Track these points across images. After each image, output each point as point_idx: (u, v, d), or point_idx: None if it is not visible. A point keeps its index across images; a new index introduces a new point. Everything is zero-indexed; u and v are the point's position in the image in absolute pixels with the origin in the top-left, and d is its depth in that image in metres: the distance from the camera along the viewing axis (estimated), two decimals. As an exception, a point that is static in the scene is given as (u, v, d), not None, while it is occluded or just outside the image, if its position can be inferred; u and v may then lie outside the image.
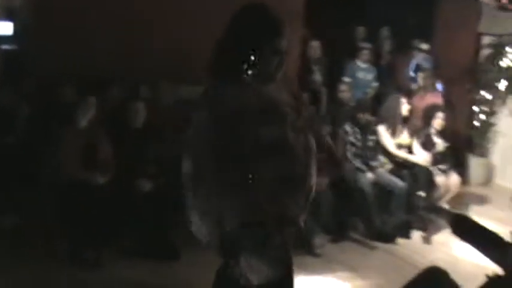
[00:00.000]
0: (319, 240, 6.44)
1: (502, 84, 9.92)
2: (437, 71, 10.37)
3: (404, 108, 7.59)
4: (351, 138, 7.31)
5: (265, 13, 3.09)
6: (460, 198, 8.33)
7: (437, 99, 9.31)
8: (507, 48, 9.82)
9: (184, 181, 3.04)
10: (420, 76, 9.62)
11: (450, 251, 6.95)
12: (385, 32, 10.81)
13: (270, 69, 3.07)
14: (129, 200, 5.68)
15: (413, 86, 9.67)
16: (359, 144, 7.36)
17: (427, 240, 7.26)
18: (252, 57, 3.00)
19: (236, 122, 2.92)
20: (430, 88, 9.49)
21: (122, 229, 5.77)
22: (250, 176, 2.94)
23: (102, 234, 5.58)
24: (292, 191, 3.07)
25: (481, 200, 9.25)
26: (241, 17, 3.09)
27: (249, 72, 3.01)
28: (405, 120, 7.67)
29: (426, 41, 10.80)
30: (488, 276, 3.41)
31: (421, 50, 10.45)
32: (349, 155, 7.26)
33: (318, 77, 9.28)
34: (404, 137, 7.65)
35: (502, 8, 9.23)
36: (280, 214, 3.04)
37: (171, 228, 5.90)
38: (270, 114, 2.99)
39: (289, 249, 3.18)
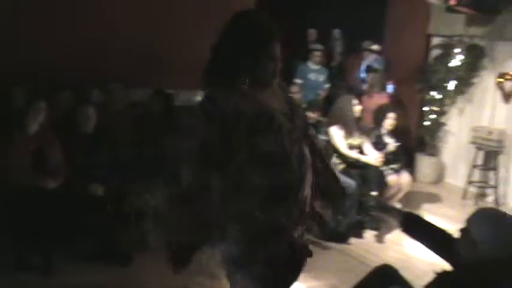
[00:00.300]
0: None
1: (451, 85, 10.03)
2: (388, 72, 10.52)
3: (356, 109, 7.58)
4: None
5: (260, 19, 3.11)
6: (412, 197, 8.43)
7: (385, 99, 9.47)
8: (455, 49, 9.92)
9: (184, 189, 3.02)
10: (369, 76, 9.76)
11: (402, 249, 7.03)
12: (336, 33, 10.88)
13: (266, 75, 3.08)
14: (80, 205, 5.63)
15: (364, 87, 9.76)
16: None
17: (379, 239, 7.31)
18: (248, 64, 3.01)
19: (233, 129, 2.92)
20: (379, 88, 9.63)
21: (73, 234, 5.71)
22: (244, 185, 2.94)
23: (53, 239, 5.52)
24: (285, 202, 3.04)
25: (432, 198, 9.40)
26: (235, 23, 3.10)
27: (245, 79, 3.02)
28: (357, 121, 7.66)
29: (377, 42, 10.93)
30: (436, 273, 3.45)
31: (372, 51, 10.56)
32: None
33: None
34: (355, 138, 7.65)
35: (450, 9, 9.30)
36: (271, 225, 3.02)
37: (123, 232, 5.86)
38: (266, 122, 2.98)
39: (280, 264, 3.13)
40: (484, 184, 9.46)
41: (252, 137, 2.93)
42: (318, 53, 9.85)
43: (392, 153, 8.08)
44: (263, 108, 3.01)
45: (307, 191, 3.17)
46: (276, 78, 3.13)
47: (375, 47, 10.54)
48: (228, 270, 3.16)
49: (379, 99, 9.23)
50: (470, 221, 3.36)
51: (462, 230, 3.39)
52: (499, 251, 3.24)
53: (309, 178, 3.17)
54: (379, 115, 8.29)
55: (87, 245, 5.82)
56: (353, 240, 7.19)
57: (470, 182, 9.53)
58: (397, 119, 8.20)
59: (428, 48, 10.68)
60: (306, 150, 3.19)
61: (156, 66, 7.69)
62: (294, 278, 3.27)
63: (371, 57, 10.72)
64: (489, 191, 9.59)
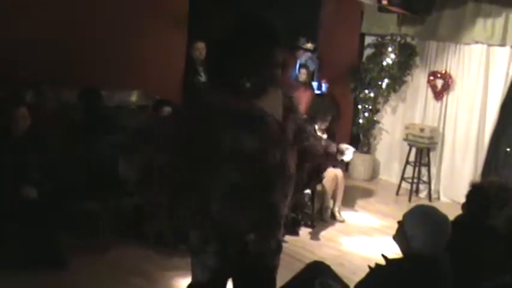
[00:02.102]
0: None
1: (384, 83, 10.20)
2: (320, 71, 10.65)
3: None
4: None
5: (262, 27, 3.13)
6: (347, 194, 8.48)
7: (308, 96, 9.75)
8: (388, 48, 10.08)
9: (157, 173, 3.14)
10: (301, 73, 9.92)
11: (338, 246, 7.15)
12: None
13: (265, 81, 3.10)
14: (13, 208, 5.55)
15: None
16: None
17: (314, 236, 7.38)
18: (249, 70, 3.04)
19: (216, 124, 2.99)
20: (306, 86, 9.85)
21: (5, 238, 5.62)
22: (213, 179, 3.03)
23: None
24: (248, 202, 3.10)
25: (367, 195, 9.58)
26: (239, 31, 3.13)
27: (246, 84, 3.05)
28: None
29: (312, 41, 11.01)
30: (370, 267, 3.54)
31: (305, 50, 10.62)
32: None
33: (203, 78, 9.26)
34: None
35: (383, 9, 9.41)
36: (226, 226, 3.12)
37: (57, 236, 5.81)
38: (254, 124, 3.04)
39: (231, 260, 3.25)
40: (416, 180, 9.63)
41: (230, 133, 3.00)
42: None
43: None
44: (255, 111, 3.07)
45: (279, 197, 3.21)
46: (274, 84, 3.17)
47: (308, 45, 10.61)
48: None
49: (304, 96, 9.46)
50: (405, 216, 3.51)
51: (398, 226, 3.53)
52: (428, 244, 3.38)
53: (284, 184, 3.22)
54: (313, 112, 8.40)
55: (20, 250, 5.73)
56: (288, 237, 7.11)
57: (403, 178, 9.70)
58: (331, 120, 8.27)
59: (361, 47, 10.83)
60: (290, 156, 3.25)
61: (87, 66, 7.63)
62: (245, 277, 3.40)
63: (305, 55, 10.81)
64: (422, 186, 9.81)
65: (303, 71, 9.91)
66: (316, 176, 7.78)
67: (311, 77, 10.53)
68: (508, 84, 9.05)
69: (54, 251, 5.74)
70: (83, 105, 7.00)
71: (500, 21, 8.91)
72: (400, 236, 3.50)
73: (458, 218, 4.43)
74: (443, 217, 3.51)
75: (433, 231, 3.41)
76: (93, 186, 6.25)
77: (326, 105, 9.02)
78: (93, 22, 7.88)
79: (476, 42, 9.24)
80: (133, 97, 8.35)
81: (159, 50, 8.49)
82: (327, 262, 4.24)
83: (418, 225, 3.43)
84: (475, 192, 4.47)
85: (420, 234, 3.39)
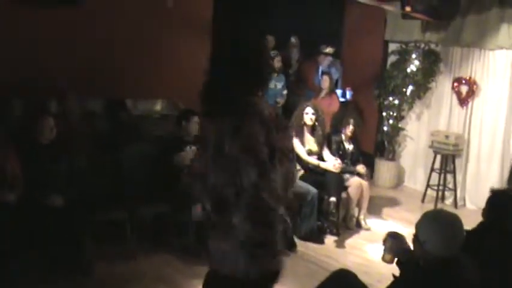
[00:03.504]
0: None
1: (409, 89, 10.19)
2: (344, 77, 10.65)
3: (308, 117, 7.69)
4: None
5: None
6: (372, 202, 8.49)
7: (335, 102, 9.76)
8: (412, 55, 10.08)
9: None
10: (323, 80, 9.87)
11: (363, 254, 7.14)
12: (293, 40, 10.94)
13: (268, 86, 3.50)
14: (41, 216, 5.61)
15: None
16: None
17: (339, 244, 7.38)
18: (266, 77, 3.35)
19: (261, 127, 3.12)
20: (330, 92, 9.80)
21: (33, 246, 5.68)
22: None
23: (13, 251, 5.48)
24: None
25: (392, 202, 9.52)
26: (250, 44, 3.35)
27: (260, 90, 3.31)
28: (311, 129, 7.77)
29: (332, 45, 11.03)
30: (394, 276, 3.56)
31: (326, 54, 10.62)
32: None
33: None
34: (313, 144, 7.75)
35: (406, 16, 9.41)
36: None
37: (83, 243, 5.86)
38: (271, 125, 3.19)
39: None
40: (442, 187, 9.60)
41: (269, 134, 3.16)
42: (276, 60, 9.83)
43: (352, 158, 8.24)
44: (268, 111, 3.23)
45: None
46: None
47: (329, 49, 10.61)
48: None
49: (332, 102, 9.52)
50: (418, 223, 3.59)
51: (413, 237, 3.61)
52: (440, 247, 3.44)
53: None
54: (338, 121, 8.42)
55: (48, 257, 5.79)
56: (313, 245, 7.22)
57: (428, 186, 9.67)
58: (355, 124, 8.29)
59: (385, 54, 10.82)
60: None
61: (112, 75, 7.69)
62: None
63: (326, 60, 10.77)
64: (447, 193, 9.78)
65: (325, 77, 9.86)
66: (341, 184, 7.78)
67: (335, 84, 10.50)
68: None
69: (81, 259, 5.79)
70: (108, 115, 7.06)
71: None
72: (416, 245, 3.58)
73: (480, 224, 4.51)
74: (453, 217, 3.59)
75: (444, 232, 3.48)
76: (118, 195, 6.32)
77: (350, 112, 9.00)
78: (117, 32, 7.95)
79: (501, 48, 9.22)
80: (158, 106, 8.40)
81: (184, 59, 8.54)
82: (352, 270, 4.24)
83: (429, 229, 3.51)
84: (495, 198, 4.57)
85: (432, 237, 3.46)
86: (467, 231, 3.92)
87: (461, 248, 3.53)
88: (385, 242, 4.16)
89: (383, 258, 4.11)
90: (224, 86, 3.19)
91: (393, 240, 4.12)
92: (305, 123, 7.72)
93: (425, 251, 3.47)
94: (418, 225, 3.58)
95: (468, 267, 3.54)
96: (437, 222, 3.55)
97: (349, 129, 8.22)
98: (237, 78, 3.19)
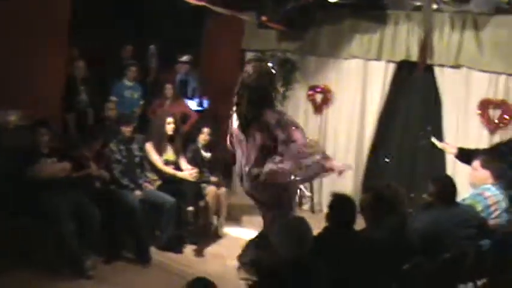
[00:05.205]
0: (90, 262, 6.48)
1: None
2: (202, 86, 10.93)
3: (170, 127, 7.85)
4: (117, 156, 7.41)
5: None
6: (231, 209, 8.66)
7: (184, 108, 10.02)
8: (268, 64, 10.25)
9: None
10: (166, 88, 10.03)
11: (222, 262, 7.29)
12: (152, 49, 11.03)
13: None
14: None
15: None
16: (125, 161, 7.47)
17: (199, 253, 7.57)
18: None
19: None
20: (175, 99, 10.03)
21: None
22: None
23: None
24: None
25: (251, 209, 9.14)
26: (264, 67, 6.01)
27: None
28: (171, 138, 7.93)
29: (194, 57, 11.26)
30: (249, 285, 3.84)
31: (183, 63, 10.91)
32: (116, 173, 7.34)
33: (83, 97, 9.24)
34: (170, 154, 7.90)
35: (262, 25, 9.65)
36: None
37: None
38: None
39: None
40: (298, 193, 9.60)
41: None
42: (133, 69, 9.93)
43: (209, 167, 8.39)
44: None
45: None
46: None
47: (185, 57, 10.75)
48: None
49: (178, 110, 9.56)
50: (269, 230, 3.78)
51: (268, 239, 3.94)
52: (289, 250, 3.72)
53: None
54: (194, 130, 8.62)
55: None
56: (173, 255, 7.37)
57: None
58: (211, 133, 8.44)
59: (242, 63, 10.68)
60: None
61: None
62: None
63: (183, 68, 11.01)
64: (305, 199, 10.11)
65: (168, 86, 10.03)
66: (198, 192, 7.96)
67: (192, 93, 10.70)
68: (384, 97, 9.55)
69: None
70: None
71: (376, 37, 9.42)
72: (270, 250, 3.89)
73: (325, 228, 4.75)
74: (299, 222, 3.92)
75: (291, 236, 3.76)
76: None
77: (205, 121, 9.14)
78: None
79: (354, 57, 9.70)
80: (12, 117, 8.25)
81: (37, 68, 8.39)
82: (211, 279, 4.14)
83: (279, 234, 3.79)
84: (334, 202, 4.90)
85: (283, 241, 3.73)
86: (315, 236, 4.21)
87: (310, 251, 3.79)
88: (242, 251, 4.27)
89: (240, 267, 4.23)
90: None
91: (250, 249, 4.24)
92: (165, 133, 7.84)
93: (278, 255, 3.71)
94: (270, 234, 3.88)
95: (317, 269, 3.77)
96: (285, 227, 3.81)
97: (203, 138, 8.38)
98: None
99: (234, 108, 6.02)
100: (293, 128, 5.68)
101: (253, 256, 4.31)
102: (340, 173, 5.79)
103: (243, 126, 5.88)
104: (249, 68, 5.98)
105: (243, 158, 5.93)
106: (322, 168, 5.68)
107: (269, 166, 5.61)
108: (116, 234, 7.21)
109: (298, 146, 5.55)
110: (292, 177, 5.55)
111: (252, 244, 6.03)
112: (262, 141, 5.69)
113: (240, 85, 5.95)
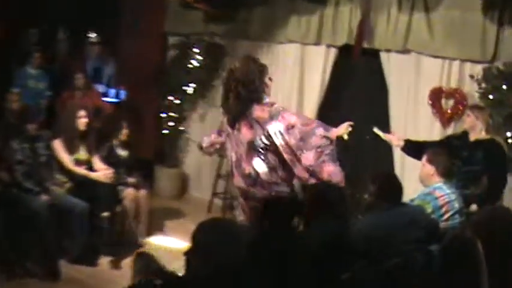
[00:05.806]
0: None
1: (191, 88, 10.07)
2: (120, 75, 10.55)
3: (82, 121, 7.45)
4: (19, 156, 6.94)
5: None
6: (152, 215, 8.29)
7: (97, 99, 9.73)
8: (194, 49, 9.97)
9: None
10: (76, 78, 9.57)
11: (143, 275, 6.83)
12: (61, 33, 10.48)
13: None
14: None
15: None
16: (29, 161, 7.02)
17: (115, 265, 7.20)
18: None
19: None
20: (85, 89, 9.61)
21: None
22: None
23: None
24: None
25: (175, 214, 9.36)
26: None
27: None
28: (83, 134, 7.54)
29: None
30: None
31: (92, 44, 10.64)
32: (18, 176, 6.87)
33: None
34: (82, 152, 7.53)
35: (187, 5, 9.40)
36: None
37: None
38: None
39: None
40: (230, 195, 9.30)
41: None
42: (37, 55, 9.47)
43: (127, 166, 8.07)
44: None
45: None
46: None
47: (94, 36, 10.53)
48: None
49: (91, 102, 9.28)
50: (194, 235, 3.58)
51: (191, 246, 3.59)
52: (224, 254, 3.46)
53: None
54: (109, 125, 8.25)
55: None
56: (85, 268, 6.98)
57: (215, 194, 9.58)
58: (131, 128, 8.13)
59: (165, 48, 10.64)
60: None
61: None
62: None
63: (95, 52, 10.68)
64: (236, 202, 9.51)
65: (78, 75, 9.56)
66: (114, 196, 7.65)
67: (107, 82, 10.43)
68: (325, 84, 9.20)
69: None
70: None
71: (315, 19, 9.02)
72: (197, 255, 3.59)
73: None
74: (230, 224, 3.86)
75: (223, 240, 3.51)
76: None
77: (123, 114, 8.73)
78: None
79: (291, 42, 9.35)
80: None
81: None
82: None
83: (207, 239, 3.53)
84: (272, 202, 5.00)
85: (212, 247, 3.48)
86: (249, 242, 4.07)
87: (245, 257, 3.61)
88: (133, 263, 4.22)
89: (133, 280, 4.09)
90: None
91: (142, 261, 4.19)
92: (76, 128, 7.45)
93: (206, 262, 3.48)
94: (198, 238, 3.57)
95: (252, 276, 3.65)
96: (217, 231, 3.59)
97: (123, 133, 8.00)
98: None
99: (221, 103, 6.03)
100: (286, 114, 5.69)
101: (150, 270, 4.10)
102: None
103: (230, 121, 5.91)
104: (237, 62, 6.00)
105: (232, 152, 5.97)
106: (331, 143, 5.87)
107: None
108: (19, 245, 6.76)
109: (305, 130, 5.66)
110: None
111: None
112: (251, 136, 5.71)
113: (227, 79, 5.89)
